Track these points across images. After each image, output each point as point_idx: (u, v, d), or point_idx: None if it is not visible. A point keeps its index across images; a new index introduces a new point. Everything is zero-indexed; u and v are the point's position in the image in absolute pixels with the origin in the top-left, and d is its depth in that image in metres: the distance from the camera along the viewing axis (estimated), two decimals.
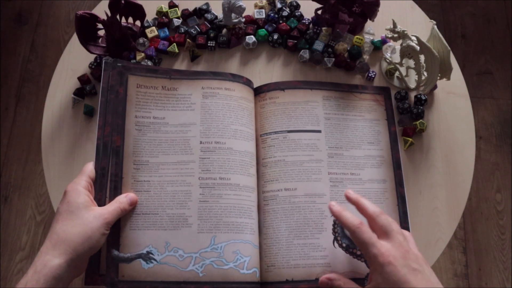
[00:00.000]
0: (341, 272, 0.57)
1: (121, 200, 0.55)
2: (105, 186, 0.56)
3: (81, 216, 0.50)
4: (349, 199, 0.54)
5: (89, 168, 0.56)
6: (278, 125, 0.64)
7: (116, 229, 0.55)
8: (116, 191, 0.56)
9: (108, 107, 0.59)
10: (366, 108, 0.67)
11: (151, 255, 0.55)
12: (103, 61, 0.61)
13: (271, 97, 0.65)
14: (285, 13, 0.73)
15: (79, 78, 0.68)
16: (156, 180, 0.58)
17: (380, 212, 0.51)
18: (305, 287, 0.56)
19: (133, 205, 0.56)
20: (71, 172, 0.63)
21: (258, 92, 0.66)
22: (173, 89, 0.62)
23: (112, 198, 0.55)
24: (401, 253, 0.47)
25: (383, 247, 0.47)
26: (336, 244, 0.57)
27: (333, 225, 0.55)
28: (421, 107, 0.68)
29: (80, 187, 0.53)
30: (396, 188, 0.63)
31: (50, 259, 0.47)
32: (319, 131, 0.64)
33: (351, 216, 0.51)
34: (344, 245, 0.54)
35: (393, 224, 0.50)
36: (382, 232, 0.49)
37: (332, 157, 0.63)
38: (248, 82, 0.65)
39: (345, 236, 0.54)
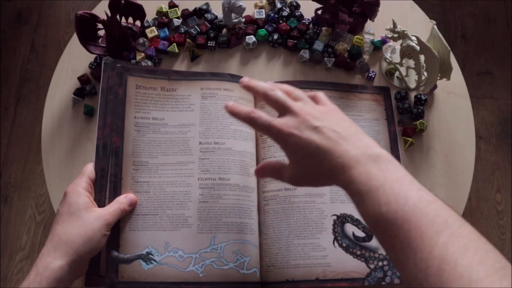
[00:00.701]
0: (341, 272, 0.57)
1: (121, 201, 0.55)
2: (105, 187, 0.56)
3: (82, 217, 0.50)
4: (244, 88, 0.49)
5: (89, 169, 0.56)
6: None
7: (116, 230, 0.55)
8: (116, 192, 0.56)
9: (108, 108, 0.59)
10: (365, 108, 0.67)
11: (151, 256, 0.55)
12: (103, 62, 0.61)
13: None
14: (285, 13, 0.73)
15: (79, 78, 0.68)
16: (155, 181, 0.58)
17: (271, 88, 0.47)
18: (305, 287, 0.56)
19: (132, 206, 0.56)
20: (71, 172, 0.63)
21: None
22: (172, 90, 0.62)
23: (111, 199, 0.55)
24: (300, 119, 0.44)
25: (279, 123, 0.44)
26: (336, 244, 0.57)
27: (333, 225, 0.55)
28: (421, 107, 0.68)
29: (80, 188, 0.53)
30: None
31: (51, 261, 0.47)
32: None
33: (244, 108, 0.48)
34: (344, 245, 0.54)
35: (287, 96, 0.47)
36: (280, 109, 0.46)
37: None
38: None
39: (345, 236, 0.55)
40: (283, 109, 0.46)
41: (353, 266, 0.57)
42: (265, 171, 0.51)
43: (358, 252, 0.54)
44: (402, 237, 0.36)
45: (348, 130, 0.44)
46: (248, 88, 0.49)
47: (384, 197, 0.38)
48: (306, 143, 0.42)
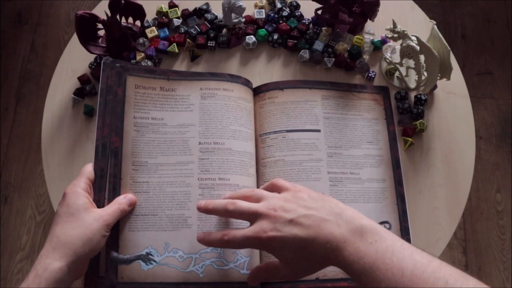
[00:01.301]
0: (341, 271, 0.56)
1: (120, 201, 0.54)
2: (104, 187, 0.56)
3: (81, 218, 0.50)
4: (204, 212, 0.51)
5: (88, 169, 0.55)
6: (277, 124, 0.63)
7: (115, 230, 0.55)
8: (115, 192, 0.56)
9: (107, 108, 0.59)
10: (365, 107, 0.67)
11: (150, 256, 0.54)
12: (102, 62, 0.61)
13: (270, 96, 0.65)
14: (285, 13, 0.73)
15: (79, 78, 0.68)
16: (155, 181, 0.58)
17: (230, 202, 0.47)
18: (305, 287, 0.56)
19: (132, 206, 0.56)
20: (71, 172, 0.63)
21: (257, 92, 0.66)
22: (171, 90, 0.62)
23: (111, 199, 0.55)
24: (272, 219, 0.43)
25: (254, 231, 0.44)
26: None
27: None
28: (421, 107, 0.68)
29: (79, 189, 0.52)
30: (395, 187, 0.63)
31: (50, 262, 0.47)
32: (318, 131, 0.64)
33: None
34: None
35: (248, 202, 0.47)
36: (249, 218, 0.46)
37: (331, 157, 0.63)
38: (246, 82, 0.65)
39: None
40: (252, 217, 0.46)
41: None
42: (258, 277, 0.49)
43: None
44: None
45: (323, 208, 0.44)
46: (208, 211, 0.50)
47: (380, 275, 0.38)
48: (290, 240, 0.42)
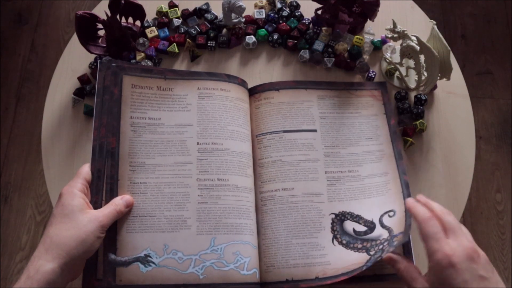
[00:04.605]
0: (341, 267, 0.56)
1: (117, 203, 0.54)
2: (101, 188, 0.55)
3: (75, 219, 0.49)
4: (419, 202, 0.51)
5: (85, 170, 0.55)
6: (273, 125, 0.63)
7: (113, 232, 0.54)
8: (112, 193, 0.55)
9: (104, 108, 0.58)
10: (363, 104, 0.67)
11: (149, 258, 0.54)
12: (99, 62, 0.60)
13: (266, 97, 0.65)
14: (285, 13, 0.73)
15: (79, 78, 0.68)
16: (152, 182, 0.57)
17: (448, 212, 0.48)
18: (305, 286, 0.56)
19: (129, 207, 0.55)
20: (71, 172, 0.63)
21: (253, 92, 0.66)
22: (168, 90, 0.62)
23: (108, 200, 0.55)
24: (467, 254, 0.43)
25: (447, 245, 0.43)
26: (335, 242, 0.57)
27: (332, 223, 0.55)
28: (421, 107, 0.68)
29: (75, 189, 0.52)
30: (400, 177, 0.63)
31: (43, 263, 0.46)
32: (315, 131, 0.64)
33: (423, 210, 0.48)
34: (344, 242, 0.54)
35: (461, 225, 0.47)
36: (449, 231, 0.46)
37: (328, 156, 0.63)
38: (242, 83, 0.65)
39: (345, 233, 0.55)
40: (451, 233, 0.45)
41: (354, 258, 0.57)
42: (395, 264, 0.50)
43: (360, 246, 0.54)
44: None
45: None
46: (426, 206, 0.49)
47: None
48: (461, 285, 0.41)
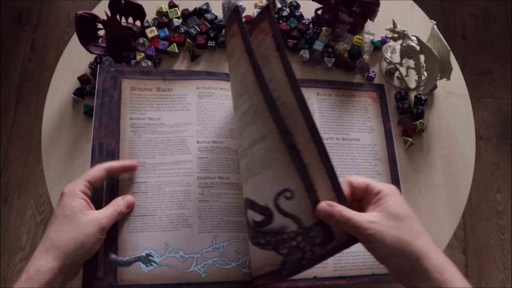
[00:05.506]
0: (256, 267, 0.52)
1: (118, 203, 0.54)
2: (102, 189, 0.56)
3: (76, 221, 0.49)
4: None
5: (92, 173, 0.53)
6: None
7: (114, 232, 0.54)
8: (113, 193, 0.56)
9: (103, 110, 0.59)
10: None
11: (150, 258, 0.54)
12: (98, 66, 0.61)
13: None
14: (285, 13, 0.73)
15: (79, 78, 0.68)
16: (153, 181, 0.57)
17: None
18: (304, 285, 0.56)
19: (130, 208, 0.55)
20: (71, 172, 0.63)
21: None
22: (167, 90, 0.62)
23: (108, 200, 0.54)
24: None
25: (381, 185, 0.46)
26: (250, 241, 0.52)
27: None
28: (421, 107, 0.68)
29: (77, 189, 0.51)
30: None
31: (43, 264, 0.46)
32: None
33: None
34: (250, 235, 0.49)
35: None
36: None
37: None
38: None
39: (249, 225, 0.50)
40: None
41: (264, 258, 0.48)
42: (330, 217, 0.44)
43: (263, 241, 0.47)
44: None
45: None
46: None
47: None
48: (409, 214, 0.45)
